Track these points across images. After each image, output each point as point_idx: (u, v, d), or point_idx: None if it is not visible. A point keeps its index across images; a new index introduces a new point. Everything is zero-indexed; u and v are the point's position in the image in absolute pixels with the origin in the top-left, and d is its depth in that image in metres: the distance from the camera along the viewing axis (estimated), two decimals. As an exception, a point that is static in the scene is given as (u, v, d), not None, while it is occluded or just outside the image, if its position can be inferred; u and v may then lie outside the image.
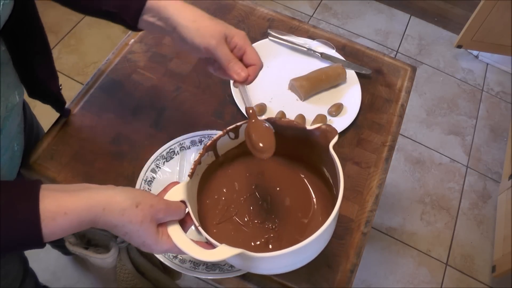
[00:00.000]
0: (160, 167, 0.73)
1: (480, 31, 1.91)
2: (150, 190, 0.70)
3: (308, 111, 0.85)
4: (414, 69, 0.96)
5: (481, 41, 1.97)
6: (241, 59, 0.57)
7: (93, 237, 0.83)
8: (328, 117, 0.85)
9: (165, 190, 0.53)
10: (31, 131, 0.82)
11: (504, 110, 2.01)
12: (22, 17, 0.59)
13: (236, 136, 0.63)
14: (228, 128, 0.60)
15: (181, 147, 0.75)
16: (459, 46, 2.04)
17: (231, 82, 0.84)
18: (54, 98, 0.75)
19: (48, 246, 1.28)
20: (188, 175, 0.56)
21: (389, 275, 1.54)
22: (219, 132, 0.61)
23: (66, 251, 1.32)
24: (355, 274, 0.70)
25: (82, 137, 0.78)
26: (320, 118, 0.83)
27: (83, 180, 0.74)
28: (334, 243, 0.72)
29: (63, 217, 0.42)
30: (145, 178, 0.71)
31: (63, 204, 0.43)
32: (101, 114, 0.81)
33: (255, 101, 0.85)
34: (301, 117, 0.83)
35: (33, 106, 0.85)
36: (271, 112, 0.85)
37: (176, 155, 0.74)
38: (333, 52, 0.94)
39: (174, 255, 0.65)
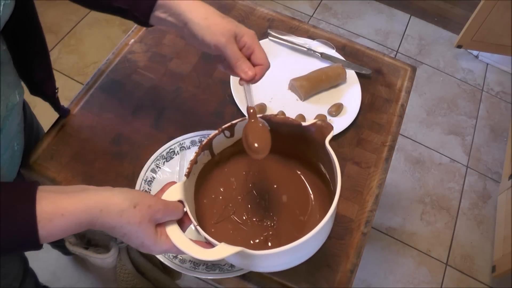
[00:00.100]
0: (160, 167, 0.73)
1: (480, 31, 1.91)
2: (150, 190, 0.70)
3: (308, 111, 0.85)
4: (414, 69, 0.96)
5: (481, 41, 1.97)
6: (249, 58, 0.57)
7: (93, 237, 0.83)
8: (328, 117, 0.85)
9: (162, 190, 0.53)
10: (31, 131, 0.82)
11: (504, 110, 2.01)
12: (22, 17, 0.59)
13: (232, 135, 0.63)
14: (223, 127, 0.61)
15: (181, 147, 0.75)
16: (459, 46, 2.04)
17: (231, 81, 0.84)
18: (50, 100, 0.75)
19: (48, 246, 1.28)
20: (185, 175, 0.56)
21: (389, 275, 1.54)
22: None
23: (66, 251, 1.32)
24: (355, 274, 0.70)
25: (82, 137, 0.78)
26: (320, 118, 0.83)
27: (83, 180, 0.74)
28: (334, 243, 0.72)
29: (60, 219, 0.42)
30: (145, 178, 0.71)
31: (60, 206, 0.43)
32: (101, 114, 0.81)
33: (255, 101, 0.85)
34: (301, 117, 0.83)
35: (33, 105, 0.84)
36: (271, 112, 0.85)
37: (176, 155, 0.74)
38: (333, 52, 0.94)
39: (174, 255, 0.65)
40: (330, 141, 0.56)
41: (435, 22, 2.25)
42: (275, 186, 0.65)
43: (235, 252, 0.47)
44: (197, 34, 0.56)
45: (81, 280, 1.40)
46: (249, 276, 0.67)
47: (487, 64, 2.15)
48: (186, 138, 0.75)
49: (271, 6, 2.07)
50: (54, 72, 0.73)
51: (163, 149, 0.74)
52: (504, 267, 1.46)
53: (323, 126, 0.57)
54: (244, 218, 0.62)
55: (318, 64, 0.91)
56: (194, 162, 0.58)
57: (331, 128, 0.57)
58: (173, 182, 0.53)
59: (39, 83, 0.70)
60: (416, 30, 2.21)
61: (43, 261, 1.39)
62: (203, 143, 0.59)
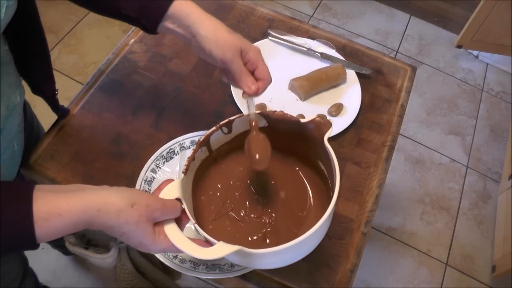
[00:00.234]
0: (160, 167, 0.73)
1: (480, 31, 1.91)
2: (150, 190, 0.70)
3: (308, 111, 0.85)
4: (414, 69, 0.96)
5: (481, 41, 1.97)
6: (252, 73, 0.60)
7: (93, 237, 0.83)
8: (328, 117, 0.85)
9: (160, 188, 0.53)
10: (31, 131, 0.82)
11: (504, 110, 2.01)
12: (24, 18, 0.59)
13: (229, 131, 0.63)
14: (221, 123, 0.61)
15: (181, 147, 0.75)
16: (459, 46, 2.04)
17: (232, 87, 0.84)
18: (49, 101, 0.75)
19: (48, 246, 1.28)
20: (183, 172, 0.56)
21: (389, 275, 1.54)
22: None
23: (66, 251, 1.32)
24: (355, 274, 0.70)
25: (82, 137, 0.78)
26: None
27: (83, 180, 0.74)
28: (334, 243, 0.72)
29: (57, 218, 0.42)
30: (145, 178, 0.71)
31: (57, 205, 0.42)
32: (101, 114, 0.81)
33: (255, 101, 0.85)
34: (301, 117, 0.83)
35: (34, 105, 0.85)
36: (271, 112, 0.85)
37: (176, 155, 0.74)
38: (333, 52, 0.94)
39: (174, 255, 0.65)
40: (330, 141, 0.56)
41: (435, 22, 2.25)
42: (273, 182, 0.65)
43: (233, 251, 0.47)
44: (204, 48, 0.58)
45: (81, 280, 1.40)
46: (249, 276, 0.67)
47: (487, 64, 2.15)
48: (186, 138, 0.75)
49: (271, 6, 2.07)
50: (54, 72, 0.73)
51: (163, 149, 0.74)
52: (504, 267, 1.46)
53: (321, 123, 0.57)
54: (242, 214, 0.62)
55: (318, 64, 0.91)
56: (192, 158, 0.58)
57: (330, 125, 0.57)
58: (171, 180, 0.53)
59: (39, 84, 0.70)
60: (416, 30, 2.21)
61: (43, 261, 1.40)
62: (201, 139, 0.59)
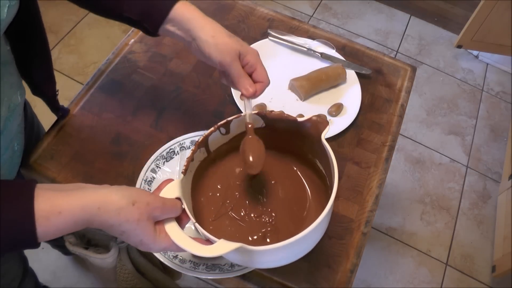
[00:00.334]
0: (160, 167, 0.73)
1: (480, 31, 1.91)
2: (150, 190, 0.70)
3: (308, 111, 0.85)
4: (414, 69, 0.96)
5: (481, 41, 1.97)
6: (251, 75, 0.61)
7: (93, 237, 0.83)
8: (328, 117, 0.85)
9: (159, 188, 0.53)
10: (31, 131, 0.82)
11: (504, 110, 2.01)
12: (25, 18, 0.59)
13: (227, 132, 0.63)
14: (219, 124, 0.61)
15: (181, 147, 0.75)
16: (459, 46, 2.04)
17: (232, 89, 0.84)
18: (49, 101, 0.75)
19: (48, 246, 1.28)
20: (182, 172, 0.56)
21: (389, 275, 1.54)
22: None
23: (66, 251, 1.32)
24: (355, 274, 0.70)
25: (82, 137, 0.78)
26: (320, 118, 0.83)
27: (83, 180, 0.74)
28: (334, 243, 0.72)
29: (57, 217, 0.42)
30: (145, 178, 0.71)
31: (58, 204, 0.43)
32: (101, 114, 0.81)
33: (255, 101, 0.85)
34: (301, 117, 0.83)
35: (34, 105, 0.85)
36: (271, 112, 0.85)
37: (176, 155, 0.74)
38: (333, 52, 0.94)
39: (174, 255, 0.65)
40: (330, 142, 0.56)
41: (435, 22, 2.25)
42: (272, 182, 0.66)
43: (234, 248, 0.47)
44: (204, 51, 0.59)
45: (81, 280, 1.40)
46: (249, 276, 0.67)
47: (487, 64, 2.15)
48: (186, 138, 0.75)
49: (271, 6, 2.07)
50: (54, 72, 0.73)
51: (163, 149, 0.74)
52: (504, 267, 1.46)
53: (318, 122, 0.58)
54: (242, 214, 0.62)
55: (318, 64, 0.91)
56: (190, 159, 0.58)
57: (327, 123, 0.57)
58: (170, 180, 0.53)
59: (39, 84, 0.70)
60: (416, 30, 2.21)
61: (43, 261, 1.39)
62: (199, 140, 0.60)
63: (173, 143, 0.74)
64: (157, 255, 0.64)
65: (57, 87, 0.75)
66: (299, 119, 0.59)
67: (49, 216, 0.42)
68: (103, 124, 0.80)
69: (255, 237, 0.60)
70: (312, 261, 0.70)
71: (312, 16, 2.19)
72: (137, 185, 0.70)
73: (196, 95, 0.85)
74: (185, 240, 0.49)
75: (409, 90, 0.92)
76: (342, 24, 2.18)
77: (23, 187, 0.42)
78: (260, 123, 0.63)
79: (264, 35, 0.95)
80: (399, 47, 2.14)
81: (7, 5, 0.48)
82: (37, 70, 0.68)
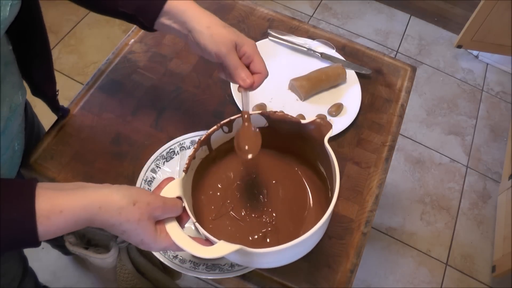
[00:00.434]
0: (160, 167, 0.73)
1: (480, 31, 1.91)
2: (150, 190, 0.70)
3: (308, 111, 0.85)
4: (414, 69, 0.96)
5: (481, 41, 1.97)
6: (248, 67, 0.60)
7: (93, 237, 0.83)
8: (328, 117, 0.85)
9: (160, 187, 0.53)
10: (32, 130, 0.82)
11: (504, 110, 2.01)
12: (27, 17, 0.59)
13: (230, 130, 0.63)
14: (222, 122, 0.61)
15: (181, 147, 0.75)
16: (459, 46, 2.04)
17: (231, 87, 0.84)
18: (49, 102, 0.75)
19: (48, 246, 1.28)
20: (183, 170, 0.56)
21: (389, 275, 1.54)
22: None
23: (66, 251, 1.32)
24: (355, 274, 0.70)
25: (82, 137, 0.78)
26: (320, 117, 0.83)
27: (83, 180, 0.73)
28: (334, 243, 0.72)
29: (58, 216, 0.42)
30: (145, 178, 0.71)
31: (59, 203, 0.43)
32: (101, 114, 0.81)
33: (255, 101, 0.85)
34: (301, 117, 0.83)
35: (34, 105, 0.85)
36: (271, 112, 0.85)
37: (176, 155, 0.74)
38: (333, 52, 0.94)
39: (174, 255, 0.65)
40: (330, 142, 0.56)
41: (435, 22, 2.25)
42: (273, 182, 0.66)
43: (234, 250, 0.47)
44: (199, 43, 0.58)
45: (81, 280, 1.40)
46: (249, 276, 0.67)
47: (487, 64, 2.15)
48: (186, 138, 0.75)
49: (271, 6, 2.07)
50: (54, 72, 0.73)
51: (163, 149, 0.74)
52: (504, 267, 1.46)
53: (322, 124, 0.58)
54: (242, 214, 0.62)
55: (318, 64, 0.91)
56: (192, 157, 0.58)
57: (330, 126, 0.57)
58: (171, 178, 0.53)
59: (40, 84, 0.70)
60: (416, 30, 2.21)
61: (43, 261, 1.39)
62: (202, 138, 0.60)
63: (173, 143, 0.74)
64: (157, 255, 0.64)
65: (57, 87, 0.75)
66: (303, 121, 0.59)
67: (50, 215, 0.42)
68: (103, 124, 0.80)
69: (255, 237, 0.60)
70: (312, 261, 0.70)
71: (312, 16, 2.19)
72: (137, 185, 0.70)
73: (196, 95, 0.85)
74: (185, 240, 0.49)
75: (409, 90, 0.92)
76: (342, 24, 2.18)
77: (24, 186, 0.42)
78: (263, 123, 0.63)
79: (264, 35, 0.95)
80: (399, 47, 2.14)
81: (9, 4, 0.48)
82: (38, 70, 0.68)
